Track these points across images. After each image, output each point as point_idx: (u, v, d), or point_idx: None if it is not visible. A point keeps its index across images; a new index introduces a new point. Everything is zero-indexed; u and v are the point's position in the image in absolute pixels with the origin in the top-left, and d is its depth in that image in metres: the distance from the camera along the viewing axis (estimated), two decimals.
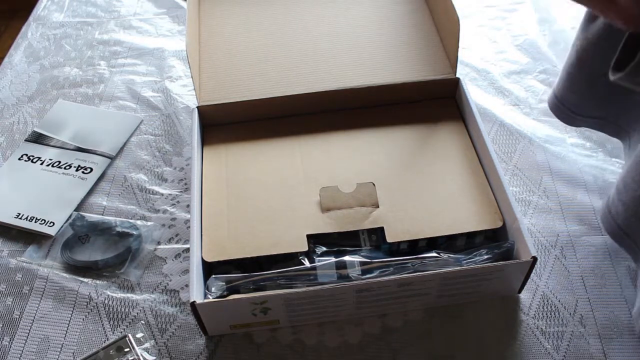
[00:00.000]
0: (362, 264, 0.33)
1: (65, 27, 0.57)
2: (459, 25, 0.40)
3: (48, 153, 0.45)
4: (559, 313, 0.35)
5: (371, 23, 0.48)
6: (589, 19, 0.32)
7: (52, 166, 0.44)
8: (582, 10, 0.33)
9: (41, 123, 0.48)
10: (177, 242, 0.40)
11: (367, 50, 0.45)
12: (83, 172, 0.43)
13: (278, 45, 0.46)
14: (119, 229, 0.39)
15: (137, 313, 0.36)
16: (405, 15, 0.48)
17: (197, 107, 0.41)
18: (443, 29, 0.45)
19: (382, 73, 0.43)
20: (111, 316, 0.36)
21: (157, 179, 0.43)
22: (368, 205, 0.36)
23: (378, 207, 0.36)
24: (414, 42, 0.45)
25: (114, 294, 0.37)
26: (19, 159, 0.45)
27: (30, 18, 0.60)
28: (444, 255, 0.33)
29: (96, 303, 0.36)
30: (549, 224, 0.39)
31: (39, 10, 0.61)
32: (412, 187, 0.37)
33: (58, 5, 0.61)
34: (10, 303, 0.37)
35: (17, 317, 0.36)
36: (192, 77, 0.41)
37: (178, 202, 0.42)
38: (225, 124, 0.42)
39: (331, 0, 0.50)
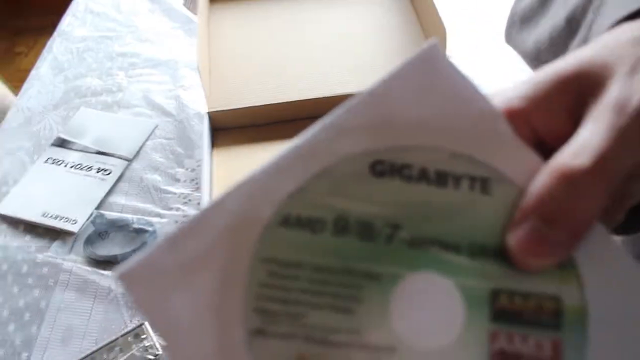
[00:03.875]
0: None
1: (87, 40, 0.60)
2: (445, 34, 0.42)
3: (71, 156, 0.48)
4: None
5: (371, 32, 0.49)
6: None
7: (75, 168, 0.46)
8: None
9: (65, 129, 0.51)
10: None
11: (369, 57, 0.47)
12: (103, 174, 0.46)
13: (284, 54, 0.48)
14: (135, 225, 0.42)
15: None
16: (400, 26, 0.50)
17: (208, 112, 0.43)
18: (430, 34, 0.46)
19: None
20: (129, 306, 0.37)
21: (171, 179, 0.45)
22: None
23: None
24: (409, 51, 0.47)
25: None
26: (45, 162, 0.48)
27: (55, 33, 0.61)
28: None
29: (116, 294, 0.38)
30: None
31: (63, 25, 0.63)
32: None
33: (81, 21, 0.63)
34: (37, 294, 0.39)
35: (44, 307, 0.38)
36: (202, 85, 0.43)
37: (190, 200, 0.44)
38: (234, 128, 0.44)
39: (333, 11, 0.52)
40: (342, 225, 0.12)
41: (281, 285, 0.12)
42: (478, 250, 0.12)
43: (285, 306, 0.12)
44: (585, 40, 0.22)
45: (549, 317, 0.12)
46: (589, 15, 0.21)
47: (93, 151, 0.48)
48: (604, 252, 0.13)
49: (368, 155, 0.13)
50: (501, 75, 0.51)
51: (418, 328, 0.12)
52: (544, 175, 0.13)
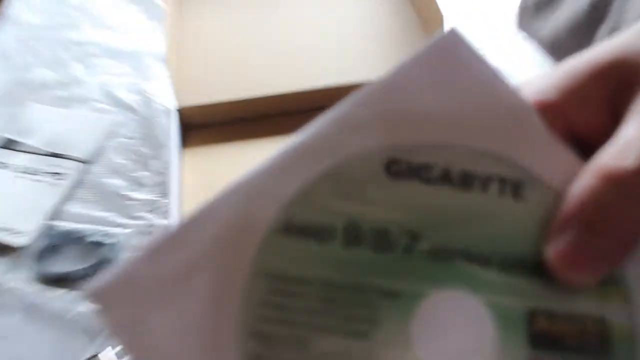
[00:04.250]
0: None
1: (38, 28, 0.55)
2: (442, 20, 0.39)
3: (18, 159, 0.43)
4: None
5: (355, 20, 0.47)
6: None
7: (23, 173, 0.42)
8: None
9: (11, 128, 0.46)
10: None
11: (353, 46, 0.44)
12: (56, 179, 0.42)
13: (261, 43, 0.45)
14: (94, 237, 0.38)
15: None
16: (390, 12, 0.47)
17: (176, 108, 0.40)
18: (428, 26, 0.44)
19: (371, 69, 0.42)
20: (86, 330, 0.34)
21: (135, 184, 0.42)
22: None
23: None
24: (400, 38, 0.44)
25: (89, 307, 0.35)
26: None
27: (1, 19, 0.57)
28: None
29: (70, 318, 0.34)
30: None
31: (9, 10, 0.58)
32: None
33: (30, 5, 0.58)
34: None
35: None
36: (170, 77, 0.39)
37: (156, 207, 0.40)
38: (206, 125, 0.41)
39: None
40: (353, 234, 0.11)
41: (284, 304, 0.11)
42: (511, 264, 0.11)
43: (288, 329, 0.11)
44: (616, 27, 0.20)
45: (594, 341, 0.11)
46: (618, 0, 0.20)
47: (44, 153, 0.44)
48: None
49: (382, 154, 0.12)
50: (505, 67, 0.49)
51: (444, 354, 0.11)
52: (587, 177, 0.11)
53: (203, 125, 0.41)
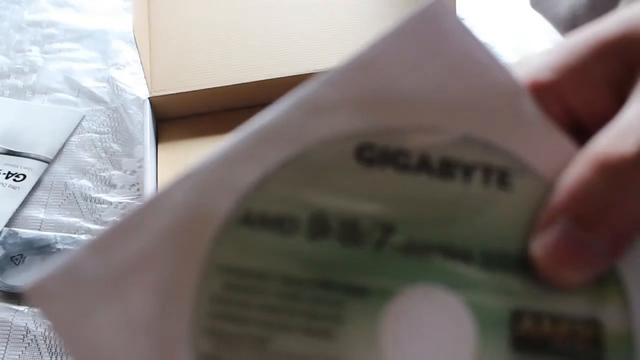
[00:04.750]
0: None
1: None
2: None
3: None
4: None
5: (343, 3, 0.45)
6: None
7: None
8: None
9: None
10: None
11: (345, 27, 0.42)
12: (14, 180, 0.39)
13: (243, 24, 0.42)
14: (59, 245, 0.35)
15: None
16: None
17: (149, 98, 0.38)
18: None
19: None
20: (53, 350, 0.31)
21: (104, 184, 0.39)
22: None
23: None
24: (390, 19, 0.43)
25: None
26: None
27: None
28: None
29: (35, 335, 0.32)
30: None
31: None
32: None
33: None
34: None
35: None
36: (141, 63, 0.37)
37: None
38: (183, 117, 0.39)
39: None
40: (319, 226, 0.11)
41: (241, 300, 0.10)
42: (494, 260, 0.11)
43: (245, 327, 0.10)
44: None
45: (585, 345, 0.10)
46: None
47: (0, 151, 0.41)
48: None
49: (353, 138, 0.11)
50: (512, 44, 0.47)
51: (415, 357, 0.10)
52: (579, 166, 0.11)
53: (179, 117, 0.39)
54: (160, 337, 0.10)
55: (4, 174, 0.39)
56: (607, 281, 0.11)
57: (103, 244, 0.10)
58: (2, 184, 0.38)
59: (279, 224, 0.11)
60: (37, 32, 0.49)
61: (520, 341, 0.10)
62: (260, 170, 0.11)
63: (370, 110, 0.11)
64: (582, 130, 0.12)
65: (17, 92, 0.45)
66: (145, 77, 0.38)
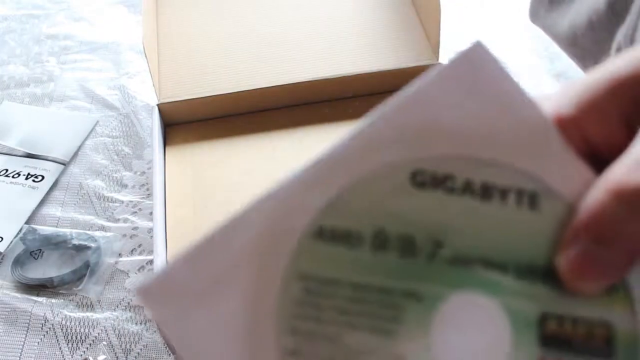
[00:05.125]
0: None
1: (8, 20, 0.53)
2: (439, 5, 0.38)
3: None
4: None
5: (345, 7, 0.45)
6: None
7: None
8: None
9: None
10: (140, 254, 0.37)
11: (342, 37, 0.43)
12: (33, 181, 0.40)
13: (246, 34, 0.43)
14: (75, 241, 0.36)
15: (99, 333, 0.33)
16: (381, 4, 0.46)
17: (158, 104, 0.38)
18: (423, 11, 0.43)
19: (360, 61, 0.41)
20: (69, 338, 0.33)
21: (116, 185, 0.41)
22: None
23: None
24: (392, 26, 0.43)
25: (71, 314, 0.34)
26: None
27: None
28: None
29: (52, 324, 0.33)
30: None
31: None
32: None
33: None
34: None
35: None
36: (150, 72, 0.38)
37: (140, 209, 0.39)
38: (189, 122, 0.39)
39: None
40: (381, 240, 0.12)
41: (317, 303, 0.12)
42: (525, 271, 0.12)
43: (321, 326, 0.12)
44: (636, 28, 0.20)
45: (599, 344, 0.12)
46: (636, 4, 0.20)
47: (20, 154, 0.42)
48: None
49: (408, 165, 0.13)
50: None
51: (462, 352, 0.12)
52: (597, 191, 0.12)
53: (185, 122, 0.40)
54: (250, 336, 0.11)
55: (24, 175, 0.40)
56: (618, 289, 0.12)
57: (196, 255, 0.11)
58: (22, 185, 0.40)
59: (347, 239, 0.12)
60: (55, 44, 0.51)
61: (547, 339, 0.12)
62: (331, 192, 0.12)
63: (421, 141, 0.13)
64: (599, 159, 0.13)
65: (36, 100, 0.46)
66: (154, 85, 0.39)
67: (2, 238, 0.37)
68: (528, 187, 0.13)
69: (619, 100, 0.13)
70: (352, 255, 0.12)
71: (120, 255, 0.37)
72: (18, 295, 0.35)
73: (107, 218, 0.38)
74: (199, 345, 0.11)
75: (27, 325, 0.33)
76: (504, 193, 0.13)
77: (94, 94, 0.47)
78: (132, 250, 0.37)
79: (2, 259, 0.36)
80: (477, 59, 0.13)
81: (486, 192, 0.12)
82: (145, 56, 0.37)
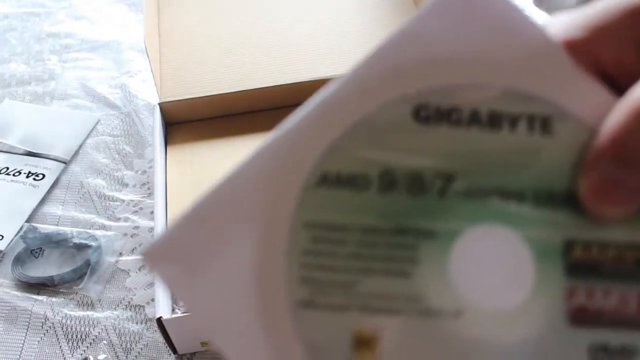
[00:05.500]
0: None
1: (10, 18, 0.53)
2: None
3: None
4: None
5: (345, 7, 0.45)
6: None
7: (0, 173, 0.40)
8: None
9: None
10: (140, 253, 0.37)
11: (342, 37, 0.43)
12: (34, 179, 0.40)
13: (247, 33, 0.43)
14: (75, 240, 0.36)
15: (99, 332, 0.33)
16: (384, 3, 0.46)
17: (159, 103, 0.39)
18: None
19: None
20: (70, 337, 0.33)
21: (117, 184, 0.40)
22: None
23: None
24: (392, 26, 0.43)
25: (72, 312, 0.34)
26: None
27: None
28: None
29: (53, 323, 0.33)
30: None
31: None
32: None
33: None
34: None
35: None
36: (151, 70, 0.38)
37: (141, 208, 0.39)
38: (191, 121, 0.40)
39: None
40: (388, 180, 0.12)
41: (327, 251, 0.11)
42: (545, 198, 0.12)
43: (334, 274, 0.11)
44: None
45: (632, 267, 0.11)
46: None
47: (21, 152, 0.42)
48: None
49: (409, 100, 0.12)
50: None
51: (484, 287, 0.11)
52: (619, 112, 0.11)
53: (186, 121, 0.40)
54: (261, 288, 0.11)
55: (25, 173, 0.40)
56: None
57: (202, 210, 0.11)
58: (23, 183, 0.40)
59: (353, 181, 0.12)
60: (56, 42, 0.50)
61: (573, 267, 0.11)
62: (331, 136, 0.12)
63: (421, 74, 0.12)
64: (610, 85, 0.12)
65: (37, 98, 0.46)
66: (155, 84, 0.39)
67: (2, 236, 0.37)
68: (539, 111, 0.12)
69: (636, 25, 0.12)
70: (359, 198, 0.12)
71: (121, 254, 0.37)
72: (18, 293, 0.35)
73: (107, 217, 0.38)
74: (209, 303, 0.11)
75: (27, 323, 0.33)
76: (513, 121, 0.12)
77: (95, 92, 0.46)
78: (132, 250, 0.37)
79: (2, 257, 0.36)
80: None
81: (494, 121, 0.12)
82: (147, 55, 0.37)
